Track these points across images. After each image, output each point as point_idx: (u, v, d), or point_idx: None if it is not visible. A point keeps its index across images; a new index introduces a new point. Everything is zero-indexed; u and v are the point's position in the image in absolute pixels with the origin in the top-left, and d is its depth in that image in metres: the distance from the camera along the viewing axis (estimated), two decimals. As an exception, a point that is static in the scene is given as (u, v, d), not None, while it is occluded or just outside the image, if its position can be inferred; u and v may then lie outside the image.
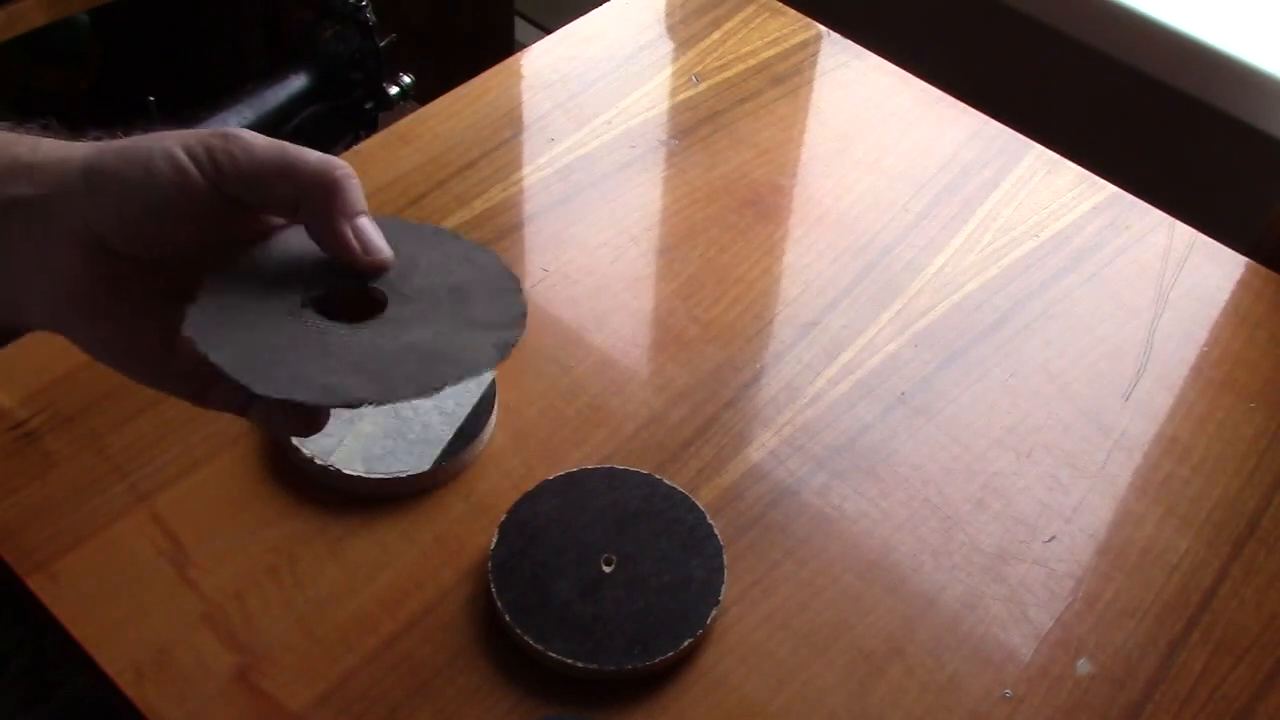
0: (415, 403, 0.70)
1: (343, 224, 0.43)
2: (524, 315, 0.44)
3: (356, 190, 0.43)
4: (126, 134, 0.43)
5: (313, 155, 0.42)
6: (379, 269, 0.44)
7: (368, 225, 0.43)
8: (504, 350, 0.43)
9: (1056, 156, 0.93)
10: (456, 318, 0.43)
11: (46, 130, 0.43)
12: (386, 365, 0.41)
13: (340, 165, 0.43)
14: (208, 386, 0.44)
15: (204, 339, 0.41)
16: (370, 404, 0.40)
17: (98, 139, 0.42)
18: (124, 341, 0.43)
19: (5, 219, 0.40)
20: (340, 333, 0.42)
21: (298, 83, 1.20)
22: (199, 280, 0.43)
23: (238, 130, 0.42)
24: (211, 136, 0.41)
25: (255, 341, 0.41)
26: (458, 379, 0.41)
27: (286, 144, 0.42)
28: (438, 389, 0.41)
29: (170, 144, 0.40)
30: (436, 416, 0.70)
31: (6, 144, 0.41)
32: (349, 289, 0.44)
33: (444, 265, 0.45)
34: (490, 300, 0.45)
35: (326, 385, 0.40)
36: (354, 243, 0.43)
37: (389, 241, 0.44)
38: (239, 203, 0.42)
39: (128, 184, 0.40)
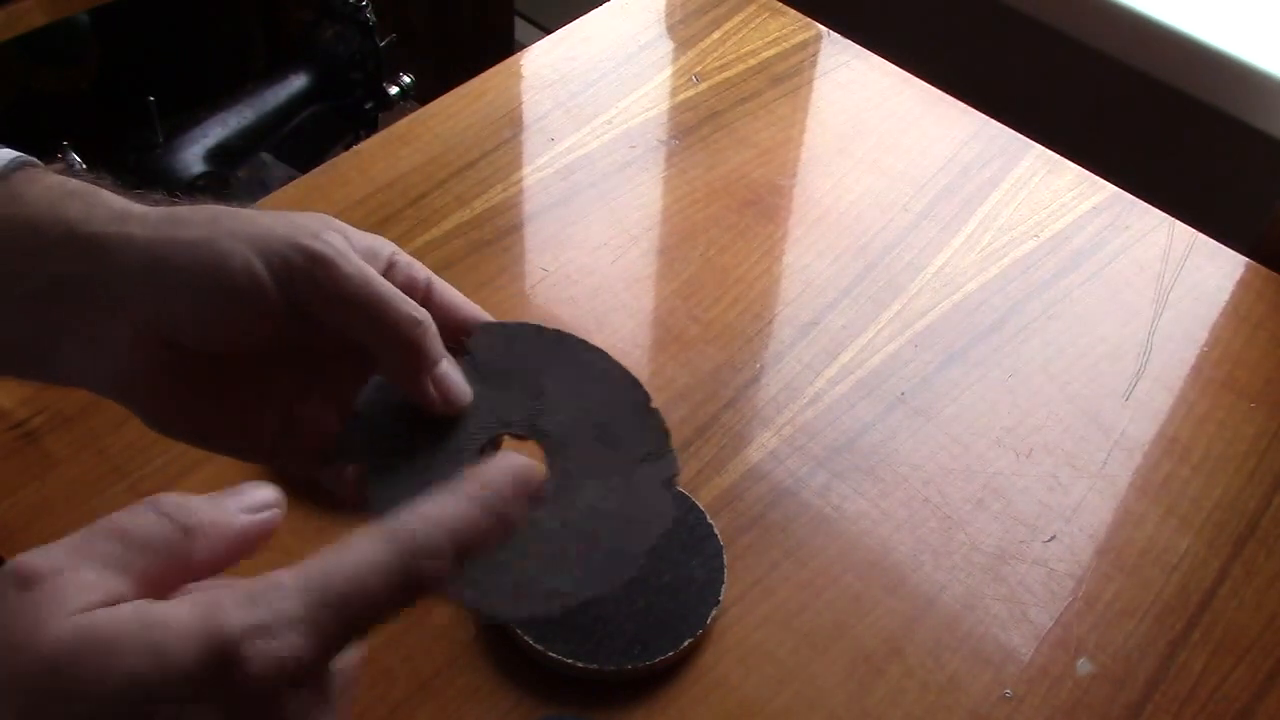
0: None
1: (424, 378, 0.40)
2: (669, 436, 0.44)
3: (436, 338, 0.40)
4: (188, 198, 0.40)
5: (403, 307, 0.39)
6: (457, 412, 0.42)
7: (449, 370, 0.41)
8: (673, 489, 0.42)
9: (1056, 156, 0.93)
10: (613, 458, 0.42)
11: (86, 172, 0.40)
12: (582, 547, 0.39)
13: (422, 319, 0.40)
14: (275, 451, 0.43)
15: (380, 499, 0.39)
16: (578, 601, 0.38)
17: (156, 202, 0.40)
18: (183, 418, 0.42)
19: (58, 297, 0.38)
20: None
21: (298, 83, 1.20)
22: (263, 366, 0.41)
23: (329, 254, 0.38)
24: (296, 253, 0.38)
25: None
26: (649, 548, 0.40)
27: (375, 282, 0.39)
28: (634, 572, 0.39)
29: (248, 251, 0.38)
30: (436, 416, 0.70)
31: (54, 203, 0.38)
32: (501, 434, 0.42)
33: (570, 386, 0.43)
34: (631, 422, 0.43)
35: (550, 590, 0.38)
36: (434, 394, 0.41)
37: (499, 353, 0.43)
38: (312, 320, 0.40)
39: (197, 288, 0.38)
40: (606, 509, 0.41)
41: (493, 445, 0.42)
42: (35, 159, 0.40)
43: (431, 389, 0.40)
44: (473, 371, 0.42)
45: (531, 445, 0.43)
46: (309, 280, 0.38)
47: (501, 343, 0.43)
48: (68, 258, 0.37)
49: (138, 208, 0.39)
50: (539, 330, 0.44)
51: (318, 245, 0.38)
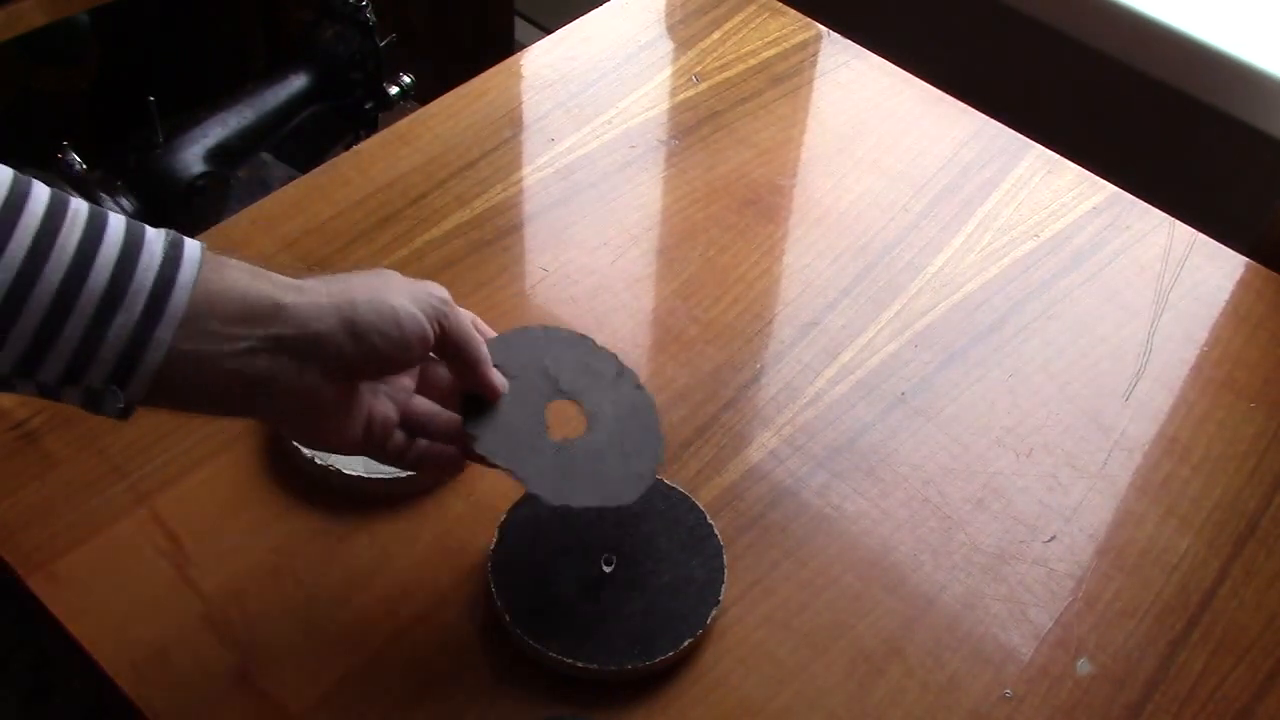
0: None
1: (489, 376, 0.58)
2: (616, 355, 0.64)
3: (489, 355, 0.59)
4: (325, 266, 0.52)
5: (477, 337, 0.57)
6: (500, 394, 0.59)
7: (496, 373, 0.59)
8: (642, 388, 0.63)
9: (1056, 156, 0.93)
10: (602, 384, 0.63)
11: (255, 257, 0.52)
12: (628, 446, 0.61)
13: (483, 343, 0.58)
14: (361, 444, 0.56)
15: (503, 457, 0.58)
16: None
17: (302, 273, 0.53)
18: (318, 431, 0.54)
19: (266, 352, 0.50)
20: (578, 444, 0.60)
21: (298, 83, 1.20)
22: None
23: (451, 302, 0.55)
24: (440, 302, 0.54)
25: (532, 464, 0.59)
26: (657, 428, 0.62)
27: (469, 320, 0.57)
28: (662, 446, 0.62)
29: (410, 304, 0.53)
30: (436, 416, 0.70)
31: (252, 281, 0.50)
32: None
33: (556, 355, 0.63)
34: (596, 358, 0.64)
35: (637, 473, 0.60)
36: (494, 383, 0.59)
37: (511, 352, 0.61)
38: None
39: (384, 337, 0.52)
40: (622, 419, 0.62)
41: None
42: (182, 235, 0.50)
43: (496, 384, 0.59)
44: (504, 369, 0.60)
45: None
46: (446, 321, 0.55)
47: (507, 346, 0.62)
48: (280, 322, 0.50)
49: (304, 281, 0.52)
50: (520, 330, 0.63)
51: (445, 295, 0.55)
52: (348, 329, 0.51)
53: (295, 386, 0.51)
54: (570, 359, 0.63)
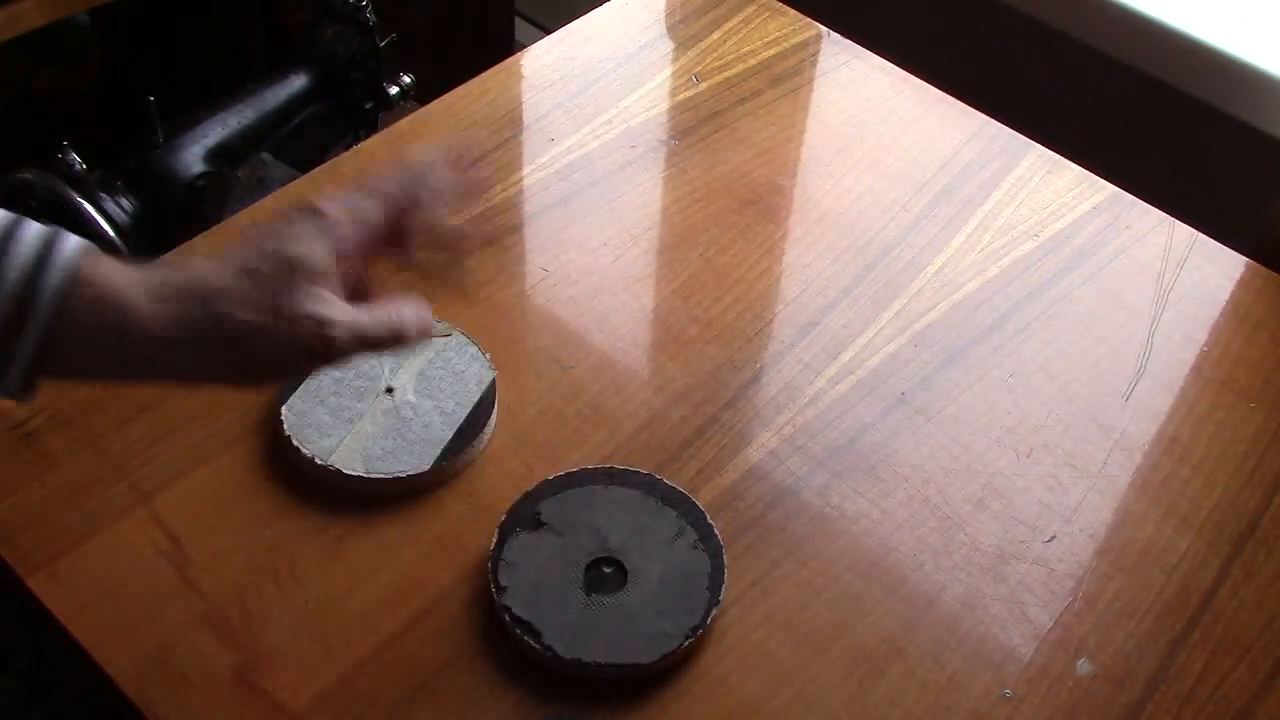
0: (415, 402, 0.70)
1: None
2: (680, 515, 0.66)
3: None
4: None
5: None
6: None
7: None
8: (699, 548, 0.65)
9: (1056, 156, 0.93)
10: (656, 544, 0.65)
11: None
12: (664, 605, 0.63)
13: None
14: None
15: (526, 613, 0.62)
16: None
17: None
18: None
19: (169, 300, 0.48)
20: (609, 602, 0.62)
21: (298, 83, 1.20)
22: None
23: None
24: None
25: (554, 618, 0.61)
26: (704, 591, 0.63)
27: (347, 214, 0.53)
28: (705, 611, 0.62)
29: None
30: (437, 417, 0.70)
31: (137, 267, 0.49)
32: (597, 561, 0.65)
33: (607, 513, 0.66)
34: (655, 516, 0.66)
35: (663, 633, 0.61)
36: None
37: (562, 509, 0.65)
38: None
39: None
40: (667, 580, 0.63)
41: (593, 566, 0.64)
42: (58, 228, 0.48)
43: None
44: (552, 527, 0.65)
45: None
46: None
47: (563, 503, 0.66)
48: (171, 269, 0.49)
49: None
50: (586, 489, 0.67)
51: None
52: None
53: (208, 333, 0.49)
54: (627, 518, 0.65)
